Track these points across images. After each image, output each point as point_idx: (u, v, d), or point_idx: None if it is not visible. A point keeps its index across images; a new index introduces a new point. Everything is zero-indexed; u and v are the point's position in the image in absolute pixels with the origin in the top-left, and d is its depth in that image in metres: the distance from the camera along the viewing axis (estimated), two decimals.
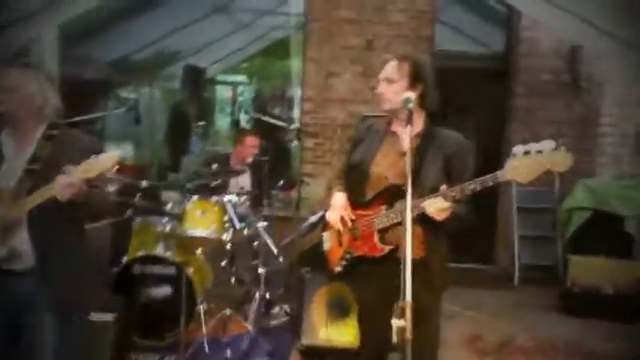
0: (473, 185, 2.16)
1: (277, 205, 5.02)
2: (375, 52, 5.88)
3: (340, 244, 2.54)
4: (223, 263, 4.46)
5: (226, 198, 4.13)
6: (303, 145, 6.03)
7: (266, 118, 5.49)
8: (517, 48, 6.08)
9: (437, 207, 2.22)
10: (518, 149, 2.05)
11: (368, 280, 2.47)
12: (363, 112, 5.86)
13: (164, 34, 8.14)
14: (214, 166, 4.43)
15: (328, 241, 2.61)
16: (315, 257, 2.57)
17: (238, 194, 4.24)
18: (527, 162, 2.04)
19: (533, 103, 6.00)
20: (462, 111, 5.89)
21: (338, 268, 2.54)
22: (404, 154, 2.27)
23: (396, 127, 2.50)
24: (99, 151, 2.49)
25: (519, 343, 4.34)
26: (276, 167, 5.10)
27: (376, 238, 2.41)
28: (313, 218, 4.51)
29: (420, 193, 2.25)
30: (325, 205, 2.71)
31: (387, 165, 2.46)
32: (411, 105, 2.30)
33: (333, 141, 5.91)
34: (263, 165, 4.70)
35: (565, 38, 5.89)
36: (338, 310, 3.71)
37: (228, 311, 4.03)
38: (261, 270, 4.30)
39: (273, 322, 4.35)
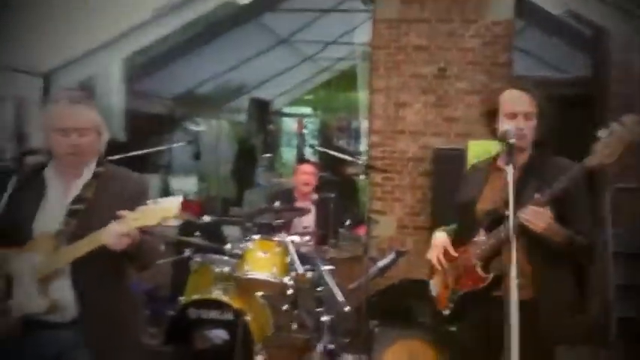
0: (562, 184, 2.11)
1: (344, 244, 4.66)
2: (447, 80, 5.51)
3: (446, 287, 2.46)
4: (284, 307, 4.12)
5: (289, 238, 3.82)
6: (370, 180, 5.68)
7: (332, 152, 5.19)
8: (607, 71, 5.54)
9: (533, 209, 2.12)
10: (602, 132, 2.02)
11: (474, 317, 2.39)
12: (435, 144, 5.49)
13: (229, 68, 8.10)
14: (277, 203, 4.14)
15: (435, 285, 2.54)
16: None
17: (302, 234, 3.91)
18: (608, 140, 2.00)
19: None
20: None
21: (446, 312, 2.46)
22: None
23: (501, 161, 2.42)
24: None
25: None
26: (342, 204, 4.75)
27: (478, 267, 2.31)
28: (384, 261, 4.16)
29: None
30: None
31: (492, 199, 2.38)
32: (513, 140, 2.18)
33: (403, 175, 5.52)
34: (329, 202, 4.38)
35: None
36: None
37: None
38: (324, 318, 3.93)
39: None
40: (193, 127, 7.86)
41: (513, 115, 2.30)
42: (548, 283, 2.25)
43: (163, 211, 2.05)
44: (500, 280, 2.20)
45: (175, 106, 7.73)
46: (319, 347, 3.85)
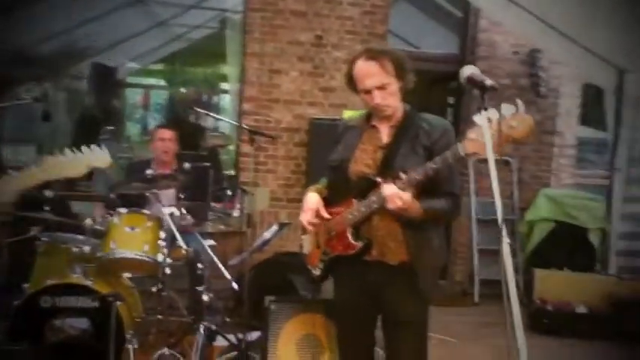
0: (434, 165, 2.06)
1: (218, 218, 4.27)
2: (325, 48, 5.32)
3: (318, 247, 2.42)
4: (155, 289, 3.64)
5: (165, 210, 3.36)
6: (241, 150, 5.33)
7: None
8: (475, 50, 5.72)
9: (394, 191, 2.08)
10: (478, 118, 1.88)
11: (347, 281, 2.39)
12: (311, 114, 5.28)
13: (72, 26, 7.13)
14: (149, 172, 3.63)
15: (307, 244, 2.49)
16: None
17: (179, 207, 3.46)
18: (483, 132, 1.86)
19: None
20: None
21: (316, 272, 2.44)
22: (382, 147, 2.28)
23: (376, 120, 2.35)
24: None
25: None
26: (215, 175, 4.35)
27: (349, 234, 2.28)
28: (267, 234, 3.86)
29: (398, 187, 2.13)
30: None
31: (365, 160, 2.31)
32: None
33: (277, 146, 5.24)
34: (201, 172, 3.96)
35: (525, 41, 5.64)
36: (310, 348, 3.04)
37: (166, 350, 3.26)
38: (206, 297, 3.54)
39: (221, 358, 3.60)
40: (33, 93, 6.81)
41: (368, 92, 2.22)
42: (420, 246, 2.26)
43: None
44: (370, 247, 2.26)
45: (8, 67, 6.62)
46: (201, 329, 3.45)
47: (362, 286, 2.33)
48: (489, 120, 1.86)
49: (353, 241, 2.27)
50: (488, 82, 1.88)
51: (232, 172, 5.48)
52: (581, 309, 4.63)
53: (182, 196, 3.59)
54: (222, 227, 4.22)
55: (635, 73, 5.08)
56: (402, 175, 2.11)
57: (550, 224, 5.16)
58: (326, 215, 2.36)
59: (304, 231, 2.49)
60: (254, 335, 3.90)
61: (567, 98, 6.00)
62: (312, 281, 2.53)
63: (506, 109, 1.86)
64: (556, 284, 4.89)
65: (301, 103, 5.29)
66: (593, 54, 5.09)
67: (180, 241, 3.26)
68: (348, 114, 5.27)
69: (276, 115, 5.27)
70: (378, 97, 2.21)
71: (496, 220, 5.97)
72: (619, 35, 4.57)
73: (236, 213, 4.69)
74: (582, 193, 5.39)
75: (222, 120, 4.46)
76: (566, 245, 5.08)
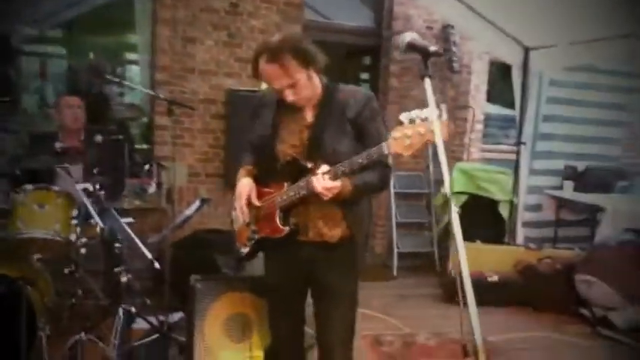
0: (360, 159, 2.04)
1: (135, 195, 4.04)
2: (240, 17, 5.13)
3: (248, 224, 2.38)
4: (68, 271, 3.39)
5: (80, 186, 3.11)
6: (155, 123, 5.06)
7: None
8: (391, 24, 5.73)
9: (322, 184, 2.07)
10: (404, 117, 1.91)
11: (279, 258, 2.37)
12: (228, 85, 5.10)
13: None
14: (58, 145, 3.34)
15: (237, 221, 2.43)
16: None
17: (94, 182, 3.21)
18: (409, 132, 1.89)
19: (406, 83, 5.71)
20: None
21: (245, 249, 2.40)
22: (307, 126, 2.25)
23: None
24: None
25: (420, 342, 3.98)
26: (129, 148, 4.10)
27: (278, 218, 2.27)
28: (188, 211, 3.71)
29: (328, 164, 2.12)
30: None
31: (292, 140, 2.27)
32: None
33: (194, 118, 5.02)
34: (118, 146, 3.71)
35: (437, 16, 5.73)
36: (238, 327, 2.95)
37: (83, 335, 3.05)
38: (124, 278, 3.33)
39: (142, 341, 3.43)
40: None
41: (280, 91, 2.16)
42: (357, 220, 2.29)
43: None
44: (298, 231, 2.26)
45: None
46: (120, 311, 3.26)
47: (294, 262, 2.32)
48: (412, 121, 1.88)
49: (280, 226, 2.26)
50: (432, 47, 1.86)
51: (146, 146, 5.20)
52: (494, 278, 4.84)
53: (95, 171, 3.34)
54: (138, 204, 4.00)
55: (539, 50, 5.32)
56: (328, 168, 2.09)
57: (464, 197, 5.34)
58: (257, 203, 2.32)
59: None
60: (175, 316, 3.76)
61: (476, 74, 6.19)
62: (240, 259, 2.47)
63: (430, 111, 1.85)
64: (469, 255, 5.06)
65: (218, 74, 5.08)
66: (500, 30, 5.26)
67: (97, 219, 3.03)
68: (266, 86, 5.17)
69: (192, 85, 5.04)
70: (289, 96, 2.16)
71: (414, 194, 6.16)
72: (524, 12, 4.73)
73: (152, 189, 4.46)
74: (493, 167, 5.61)
75: (138, 90, 4.17)
76: (479, 217, 5.27)
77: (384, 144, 1.98)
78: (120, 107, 6.15)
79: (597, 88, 5.85)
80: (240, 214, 2.33)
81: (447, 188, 1.72)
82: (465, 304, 1.53)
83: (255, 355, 2.87)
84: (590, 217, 5.81)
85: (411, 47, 1.88)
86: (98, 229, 3.32)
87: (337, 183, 2.09)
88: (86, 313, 3.44)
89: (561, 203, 5.95)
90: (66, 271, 3.32)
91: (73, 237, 3.19)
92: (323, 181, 2.07)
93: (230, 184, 5.18)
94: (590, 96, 5.83)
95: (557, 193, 6.01)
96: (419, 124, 1.87)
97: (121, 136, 3.77)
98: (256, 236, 2.36)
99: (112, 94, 6.49)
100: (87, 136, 3.80)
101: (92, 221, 3.29)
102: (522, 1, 4.58)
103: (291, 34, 2.27)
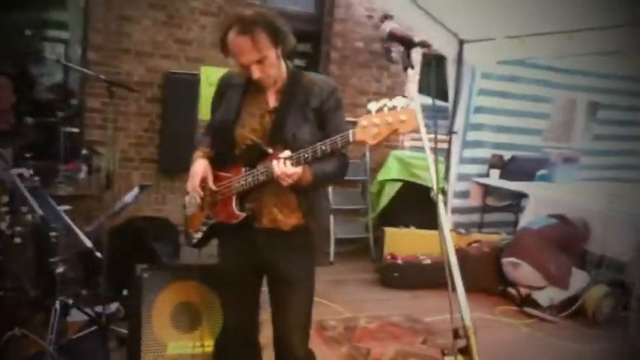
0: (323, 146, 2.00)
1: (67, 181, 3.85)
2: None
3: (202, 209, 2.32)
4: None
5: (15, 171, 2.92)
6: (86, 105, 4.83)
7: None
8: (333, 10, 5.73)
9: (283, 170, 2.03)
10: (371, 106, 1.89)
11: (234, 245, 2.32)
12: (165, 67, 4.94)
13: None
14: None
15: (190, 206, 2.37)
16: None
17: (27, 167, 3.03)
18: (377, 121, 1.86)
19: (347, 71, 5.74)
20: None
21: (197, 235, 2.34)
22: (270, 112, 2.22)
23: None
24: None
25: (362, 325, 4.07)
26: (64, 132, 3.89)
27: (234, 203, 2.22)
28: (128, 198, 3.56)
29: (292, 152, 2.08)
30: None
31: (252, 125, 2.23)
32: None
33: (128, 101, 4.84)
34: (51, 129, 3.51)
35: (377, 5, 5.78)
36: (187, 317, 2.89)
37: (17, 330, 2.89)
38: (60, 269, 3.17)
39: (80, 334, 3.29)
40: None
41: (245, 66, 2.12)
42: (313, 210, 2.27)
43: None
44: (254, 217, 2.23)
45: None
46: (57, 304, 3.10)
47: (249, 249, 2.28)
48: (380, 109, 1.86)
49: (237, 211, 2.21)
50: (417, 38, 1.83)
51: (75, 130, 4.95)
52: (427, 261, 5.00)
53: (28, 155, 3.15)
54: (70, 190, 3.82)
55: (473, 43, 5.50)
56: (290, 154, 2.06)
57: (398, 184, 5.47)
58: (212, 186, 2.26)
59: (188, 192, 2.36)
60: (112, 307, 3.64)
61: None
62: (192, 245, 2.41)
63: (399, 101, 1.85)
64: (404, 240, 5.24)
65: (154, 55, 4.92)
66: (437, 22, 5.39)
67: (36, 206, 2.86)
68: (206, 70, 5.06)
69: (127, 66, 4.84)
70: (256, 72, 2.10)
71: (350, 181, 6.15)
72: (462, 5, 4.86)
73: (82, 175, 4.28)
74: (427, 155, 5.75)
75: (76, 69, 3.94)
76: (413, 204, 5.41)
77: (350, 132, 1.95)
78: (47, 87, 5.82)
79: (525, 81, 6.11)
80: (195, 194, 2.27)
81: (433, 181, 1.71)
82: (454, 289, 1.54)
83: (206, 344, 2.82)
84: (514, 204, 6.12)
85: (393, 37, 1.86)
86: (29, 217, 3.16)
87: (298, 169, 2.05)
88: (17, 306, 3.26)
89: (488, 190, 6.21)
90: None
91: (2, 225, 3.01)
92: (284, 166, 2.03)
93: (164, 170, 5.07)
94: (518, 89, 6.09)
95: (484, 180, 6.26)
96: (387, 113, 1.85)
97: (54, 119, 3.56)
98: (210, 222, 2.31)
99: (38, 73, 6.13)
100: (17, 119, 3.57)
101: (23, 209, 3.13)
102: None
103: (266, 10, 2.19)
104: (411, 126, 1.85)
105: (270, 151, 2.14)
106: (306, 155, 2.04)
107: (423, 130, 1.79)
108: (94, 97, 4.74)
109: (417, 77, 6.70)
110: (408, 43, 1.82)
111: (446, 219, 1.67)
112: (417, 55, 6.40)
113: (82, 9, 4.80)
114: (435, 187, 1.71)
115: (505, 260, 4.88)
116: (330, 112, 2.21)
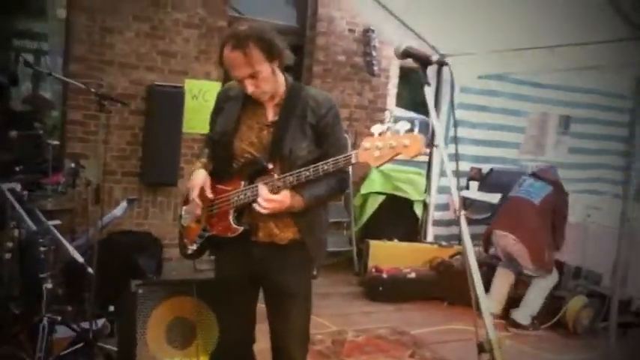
0: (325, 165, 2.00)
1: (51, 194, 3.77)
2: (163, 9, 4.94)
3: (198, 221, 2.32)
4: None
5: (7, 186, 2.86)
6: (67, 118, 4.75)
7: None
8: (315, 24, 5.77)
9: (265, 196, 2.05)
10: (375, 128, 1.90)
11: (231, 258, 2.31)
12: (148, 80, 4.90)
13: None
14: None
15: (187, 217, 2.37)
16: None
17: (19, 181, 2.97)
18: (380, 144, 1.86)
19: (329, 84, 5.77)
20: None
21: (192, 247, 2.34)
22: (268, 125, 2.22)
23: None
24: None
25: (350, 339, 4.07)
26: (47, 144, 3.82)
27: (231, 217, 2.21)
28: (117, 211, 3.54)
29: (289, 167, 2.12)
30: None
31: (250, 138, 2.23)
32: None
33: (111, 114, 4.76)
34: (36, 142, 3.45)
35: (359, 20, 5.84)
36: (181, 332, 2.86)
37: (6, 348, 2.81)
38: (49, 285, 3.10)
39: (67, 351, 3.22)
40: None
41: (241, 81, 2.15)
42: (309, 225, 2.27)
43: None
44: (251, 232, 2.22)
45: None
46: (44, 321, 3.03)
47: (245, 262, 2.28)
48: (382, 133, 1.86)
49: (234, 225, 2.21)
50: (435, 56, 1.85)
51: (56, 142, 4.86)
52: (411, 275, 5.04)
53: (18, 169, 3.08)
54: (55, 203, 3.74)
55: (452, 57, 5.59)
56: (277, 177, 2.07)
57: (381, 197, 5.51)
58: (210, 196, 2.25)
59: (185, 202, 2.39)
60: (99, 323, 3.57)
61: (391, 79, 6.40)
62: (186, 256, 2.41)
63: (402, 125, 1.85)
64: (387, 253, 5.27)
65: (138, 67, 4.87)
66: (419, 37, 5.47)
67: (29, 222, 2.80)
68: (190, 83, 5.04)
69: (110, 78, 4.79)
70: (250, 87, 2.13)
71: None
72: (439, 20, 4.95)
73: (66, 188, 4.20)
74: (409, 168, 5.84)
75: (65, 81, 3.87)
76: (396, 217, 5.47)
77: (353, 153, 1.96)
78: (26, 98, 5.71)
79: (503, 95, 6.24)
80: (194, 205, 2.26)
81: (455, 201, 1.71)
82: (478, 308, 1.56)
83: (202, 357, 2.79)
84: (493, 216, 6.20)
85: (408, 55, 1.86)
86: (16, 232, 3.09)
87: (278, 197, 2.06)
88: (4, 323, 3.17)
89: (466, 203, 6.28)
90: None
91: None
92: (265, 192, 2.05)
93: (147, 184, 5.01)
94: (496, 103, 6.21)
95: (463, 193, 6.34)
96: (391, 136, 1.85)
97: (39, 132, 3.50)
98: (207, 234, 2.30)
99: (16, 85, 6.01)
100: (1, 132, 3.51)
101: (12, 224, 3.06)
102: (443, 10, 4.78)
103: (260, 25, 2.19)
104: (415, 151, 1.83)
105: (270, 166, 2.15)
106: (308, 174, 2.04)
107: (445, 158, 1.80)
108: (76, 109, 4.66)
109: (395, 91, 6.82)
110: (424, 61, 1.83)
111: (468, 239, 1.69)
112: (394, 68, 6.50)
113: (64, 20, 4.72)
114: (458, 210, 1.71)
115: (499, 233, 4.73)
116: (327, 128, 2.23)
